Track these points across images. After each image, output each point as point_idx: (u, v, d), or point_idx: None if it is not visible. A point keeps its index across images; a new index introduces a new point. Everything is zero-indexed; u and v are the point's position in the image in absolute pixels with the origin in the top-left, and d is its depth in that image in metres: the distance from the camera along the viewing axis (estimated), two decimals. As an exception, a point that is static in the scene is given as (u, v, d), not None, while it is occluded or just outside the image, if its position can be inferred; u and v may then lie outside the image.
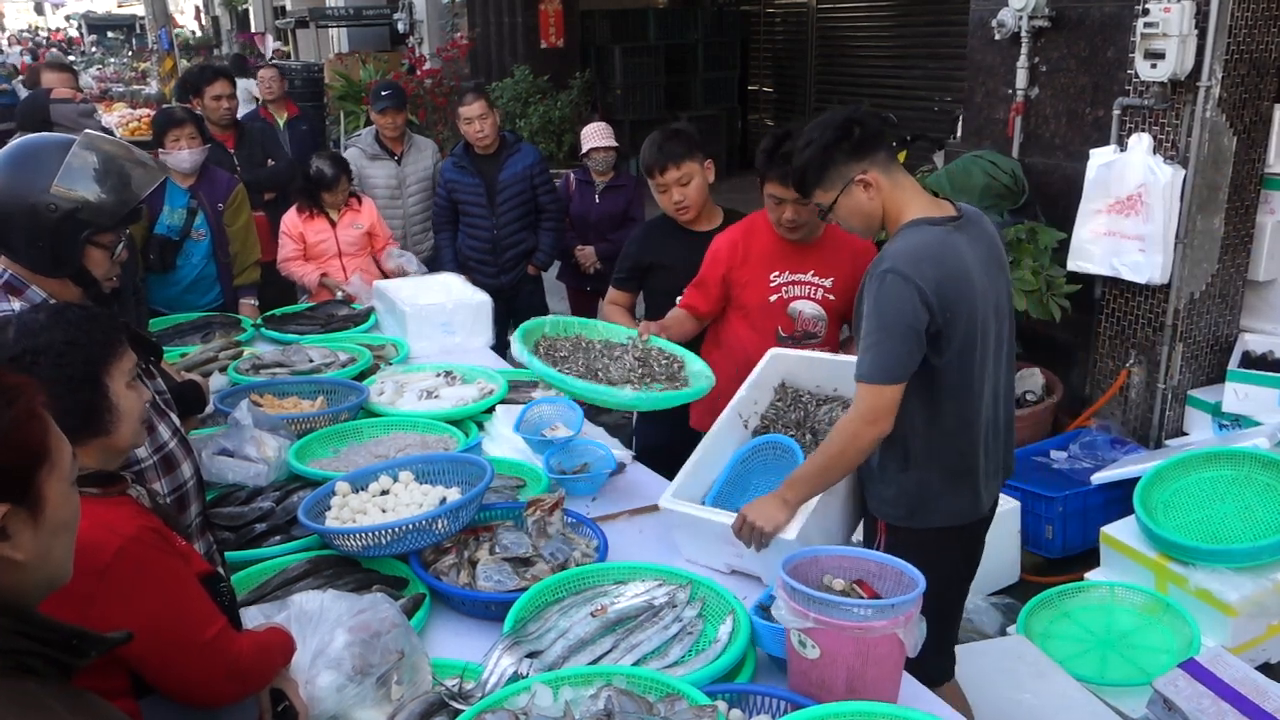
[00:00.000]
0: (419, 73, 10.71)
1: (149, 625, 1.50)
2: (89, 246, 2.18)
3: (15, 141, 2.29)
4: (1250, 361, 4.43)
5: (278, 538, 2.51)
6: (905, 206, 2.32)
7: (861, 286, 2.32)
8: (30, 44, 29.64)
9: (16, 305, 2.12)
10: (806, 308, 3.00)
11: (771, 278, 3.01)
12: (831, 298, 3.01)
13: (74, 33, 37.04)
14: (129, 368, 1.77)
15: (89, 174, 2.16)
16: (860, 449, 2.28)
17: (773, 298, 3.02)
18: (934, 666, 2.33)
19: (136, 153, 2.31)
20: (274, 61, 12.75)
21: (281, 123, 6.72)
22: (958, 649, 2.65)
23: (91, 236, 2.17)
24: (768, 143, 2.89)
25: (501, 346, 4.28)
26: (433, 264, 5.35)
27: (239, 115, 5.75)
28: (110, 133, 5.16)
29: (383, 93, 5.47)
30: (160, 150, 4.29)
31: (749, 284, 3.03)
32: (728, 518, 2.30)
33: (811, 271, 2.99)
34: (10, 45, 26.39)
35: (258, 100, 7.22)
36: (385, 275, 4.86)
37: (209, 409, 3.07)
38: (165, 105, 5.40)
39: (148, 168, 2.30)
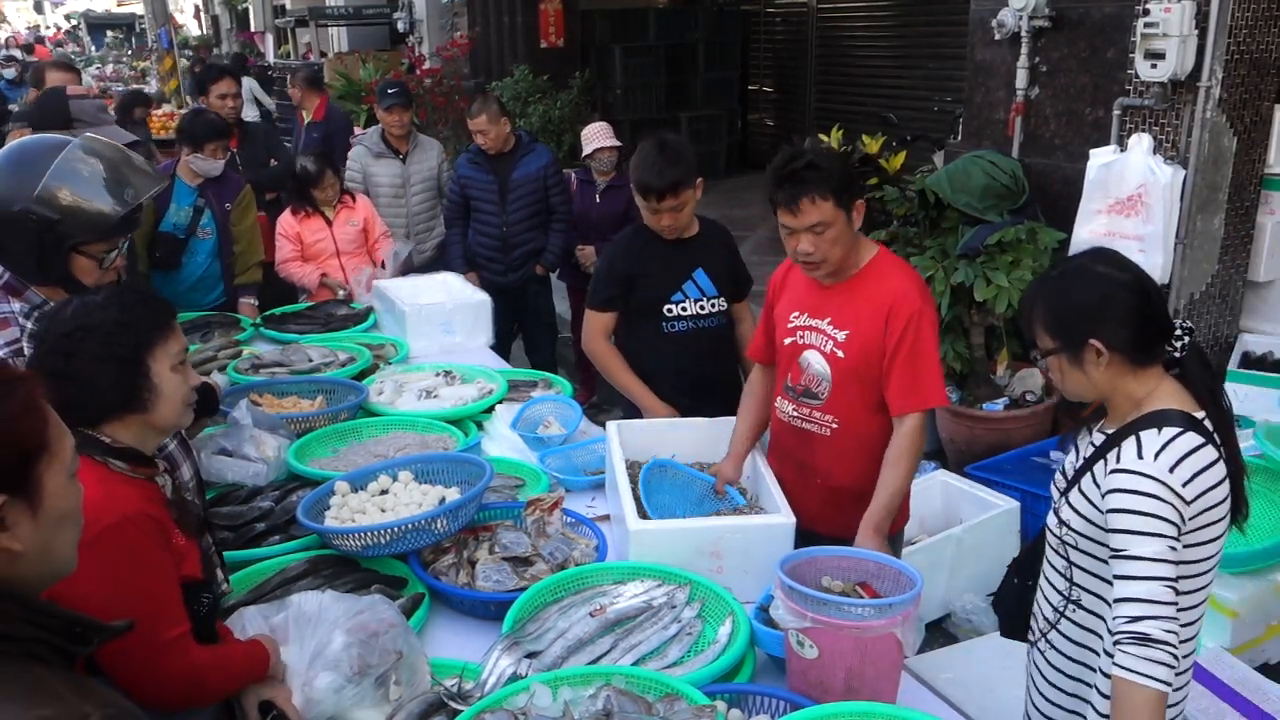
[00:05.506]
0: (419, 72, 10.70)
1: (113, 604, 1.49)
2: (76, 255, 2.13)
3: (14, 143, 2.25)
4: (1250, 362, 4.43)
5: (277, 537, 2.52)
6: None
7: None
8: (24, 41, 29.52)
9: (16, 306, 2.11)
10: (814, 361, 2.56)
11: (791, 318, 2.63)
12: (840, 354, 2.50)
13: (50, 30, 37.08)
14: (176, 350, 1.81)
15: (74, 183, 2.09)
16: None
17: (787, 340, 2.63)
18: None
19: (135, 160, 2.24)
20: (279, 61, 12.69)
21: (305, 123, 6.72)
22: (953, 649, 2.62)
23: (77, 246, 2.12)
24: (776, 162, 2.44)
25: (502, 346, 4.27)
26: (438, 261, 5.35)
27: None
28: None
29: (389, 90, 5.48)
30: (197, 154, 4.27)
31: (778, 322, 2.69)
32: (706, 523, 2.30)
33: (828, 319, 2.54)
34: (13, 47, 26.18)
35: (257, 100, 7.18)
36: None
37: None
38: (197, 108, 5.34)
39: (145, 176, 2.23)
